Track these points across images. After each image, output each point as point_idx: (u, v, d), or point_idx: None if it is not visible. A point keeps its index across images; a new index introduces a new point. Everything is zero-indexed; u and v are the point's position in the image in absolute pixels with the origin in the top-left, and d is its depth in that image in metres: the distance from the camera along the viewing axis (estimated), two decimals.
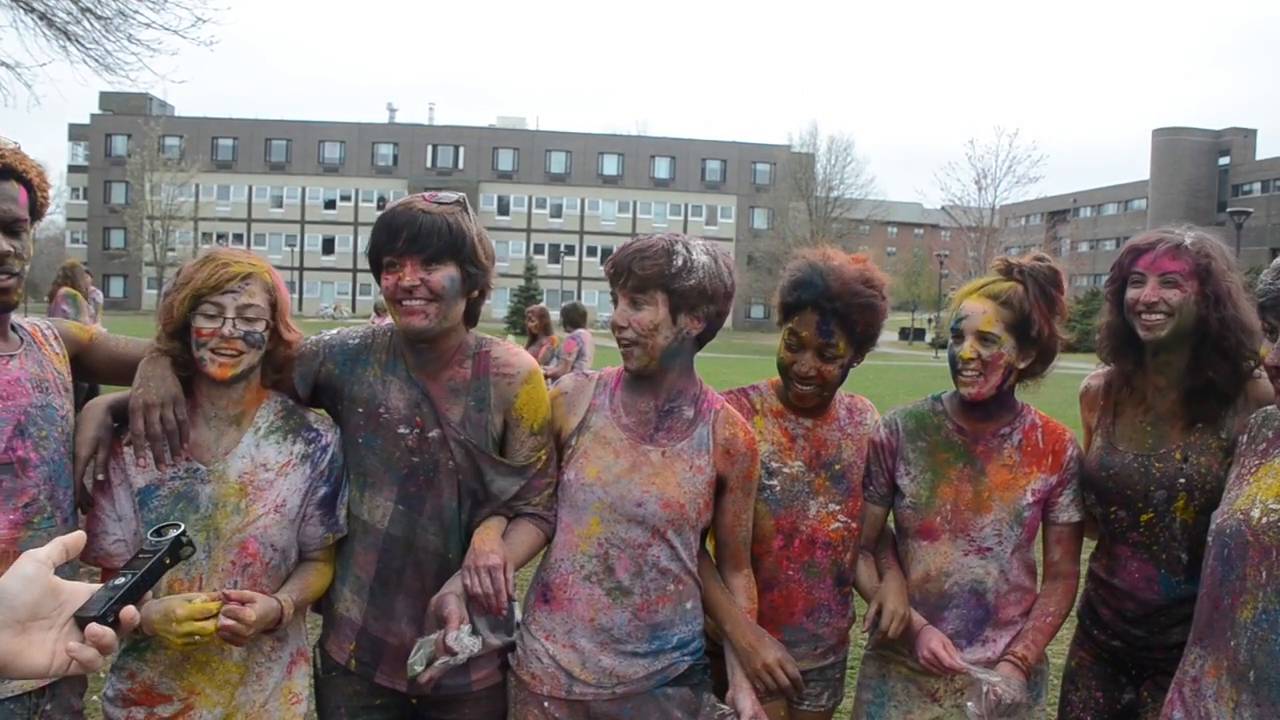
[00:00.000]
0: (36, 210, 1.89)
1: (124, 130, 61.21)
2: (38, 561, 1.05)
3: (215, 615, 1.83)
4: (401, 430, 2.08)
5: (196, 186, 58.79)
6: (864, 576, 2.39)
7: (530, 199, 67.55)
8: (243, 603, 1.87)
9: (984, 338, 2.23)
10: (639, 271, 2.05)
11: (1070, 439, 2.36)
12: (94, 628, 1.05)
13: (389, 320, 2.13)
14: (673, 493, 2.09)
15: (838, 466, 2.37)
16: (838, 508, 2.35)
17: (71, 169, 65.86)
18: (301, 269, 64.69)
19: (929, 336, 54.52)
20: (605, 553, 2.09)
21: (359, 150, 66.80)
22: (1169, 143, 64.22)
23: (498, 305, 56.05)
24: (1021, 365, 2.27)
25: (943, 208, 50.55)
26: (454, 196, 2.08)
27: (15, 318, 1.96)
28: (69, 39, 10.53)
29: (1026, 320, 2.24)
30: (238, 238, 59.71)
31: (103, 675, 2.19)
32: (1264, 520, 1.72)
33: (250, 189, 65.59)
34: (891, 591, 2.28)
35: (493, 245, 2.15)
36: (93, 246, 62.12)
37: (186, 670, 1.99)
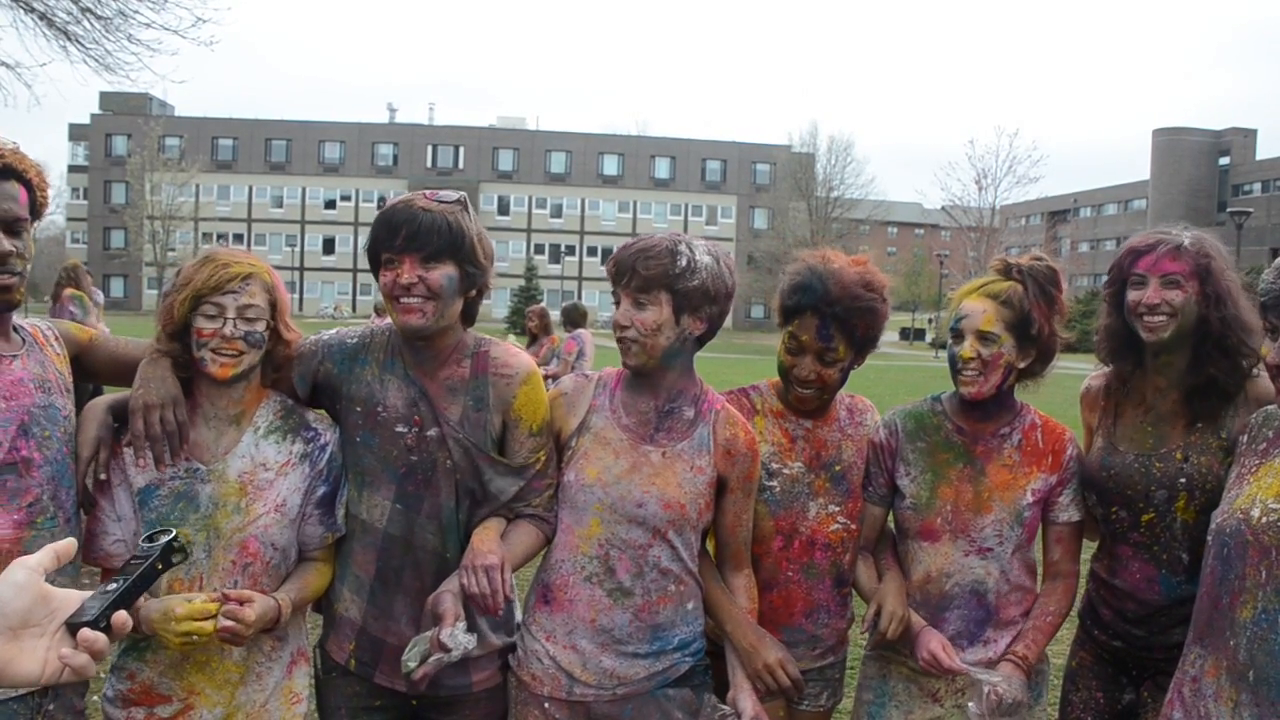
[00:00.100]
0: (36, 210, 1.89)
1: (124, 130, 61.22)
2: (28, 569, 1.04)
3: (214, 616, 1.83)
4: (399, 429, 2.08)
5: (196, 186, 58.81)
6: (863, 577, 2.39)
7: (530, 199, 67.55)
8: (241, 602, 1.87)
9: (984, 337, 2.23)
10: (643, 271, 2.04)
11: (1070, 439, 2.36)
12: (86, 633, 1.04)
13: (389, 320, 2.13)
14: (673, 493, 2.09)
15: (838, 467, 2.37)
16: (837, 509, 2.35)
17: (71, 169, 65.88)
18: (301, 269, 64.69)
19: (929, 336, 54.51)
20: (606, 553, 2.08)
21: (359, 150, 66.81)
22: (1169, 143, 64.21)
23: (498, 305, 56.06)
24: (1021, 365, 2.27)
25: (943, 208, 50.54)
26: (454, 195, 2.08)
27: (16, 318, 1.97)
28: (69, 39, 10.53)
29: (1026, 319, 2.24)
30: (238, 238, 59.72)
31: (103, 675, 2.20)
32: (1264, 520, 1.72)
33: (250, 189, 65.60)
34: (890, 593, 2.28)
35: (492, 245, 2.15)
36: (93, 246, 62.13)
37: (186, 670, 1.99)
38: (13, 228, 1.83)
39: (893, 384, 21.33)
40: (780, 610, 2.31)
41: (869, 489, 2.40)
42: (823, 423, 2.38)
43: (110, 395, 2.06)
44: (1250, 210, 33.08)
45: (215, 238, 52.38)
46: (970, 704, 2.14)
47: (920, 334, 59.69)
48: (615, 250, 2.16)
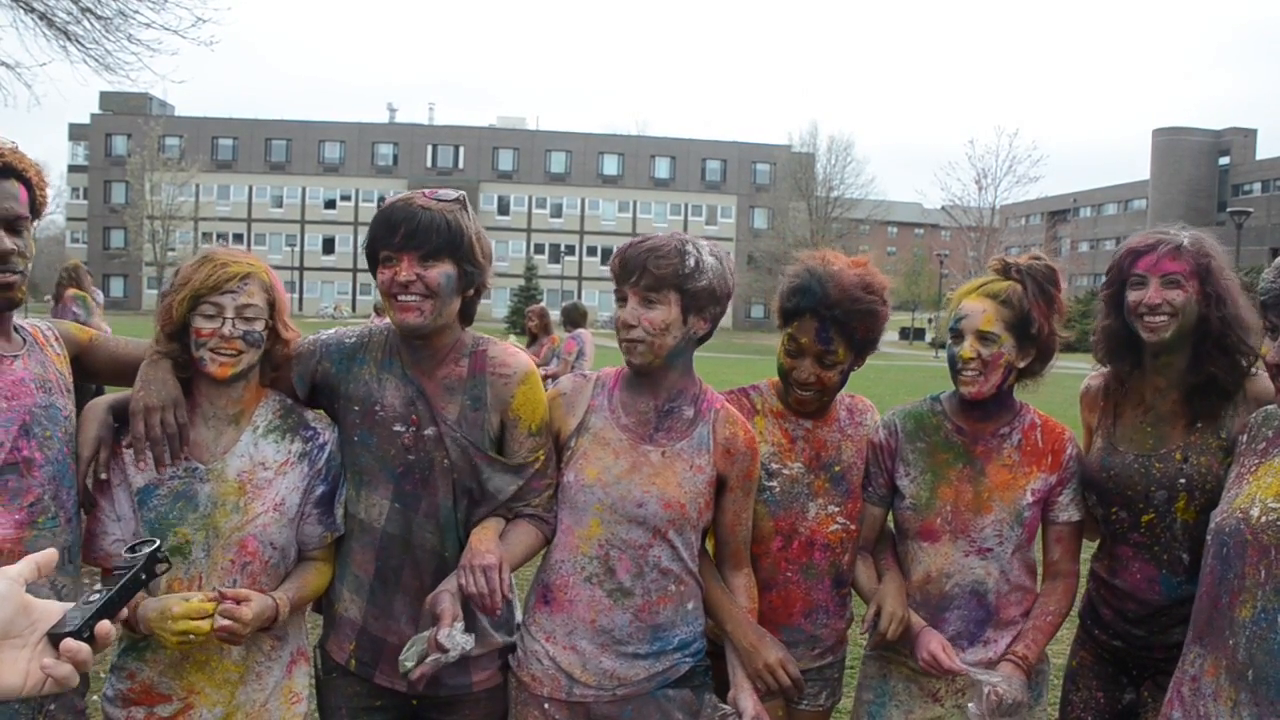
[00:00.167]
0: (36, 209, 1.90)
1: (124, 130, 61.23)
2: (9, 579, 1.03)
3: (211, 615, 1.84)
4: (397, 428, 2.08)
5: (196, 186, 58.84)
6: (863, 577, 2.39)
7: (530, 199, 67.56)
8: (238, 601, 1.87)
9: (984, 337, 2.23)
10: (655, 270, 2.04)
11: (1069, 438, 2.36)
12: (70, 643, 1.04)
13: (388, 320, 2.13)
14: (673, 493, 2.09)
15: (837, 468, 2.36)
16: (837, 509, 2.35)
17: (71, 169, 65.89)
18: (301, 269, 64.70)
19: (929, 336, 54.52)
20: (606, 554, 2.08)
21: (359, 150, 66.81)
22: (1169, 143, 64.22)
23: (497, 305, 56.10)
24: (1021, 364, 2.27)
25: (943, 208, 50.52)
26: (453, 194, 2.08)
27: (16, 319, 1.97)
28: (69, 39, 10.53)
29: (1026, 319, 2.24)
30: (238, 238, 59.72)
31: (103, 676, 2.20)
32: (1263, 519, 1.72)
33: (250, 189, 65.59)
34: (890, 593, 2.28)
35: (490, 244, 2.15)
36: (93, 246, 62.13)
37: (186, 670, 1.99)
38: (14, 226, 1.83)
39: (893, 384, 21.33)
40: (779, 610, 2.31)
41: (868, 489, 2.40)
42: (823, 423, 2.38)
43: (110, 395, 2.06)
44: (1250, 210, 33.09)
45: (215, 238, 52.35)
46: (970, 705, 2.14)
47: (920, 334, 59.70)
48: (618, 248, 2.15)
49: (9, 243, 1.82)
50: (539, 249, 65.77)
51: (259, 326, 2.00)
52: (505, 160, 67.88)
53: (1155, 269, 2.22)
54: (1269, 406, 1.96)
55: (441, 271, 2.01)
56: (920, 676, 2.33)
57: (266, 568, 2.03)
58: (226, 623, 1.84)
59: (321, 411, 2.18)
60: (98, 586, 1.16)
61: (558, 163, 68.37)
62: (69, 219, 65.25)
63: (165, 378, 1.98)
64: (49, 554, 1.09)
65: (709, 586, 2.19)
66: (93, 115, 64.38)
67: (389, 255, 2.02)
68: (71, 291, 8.21)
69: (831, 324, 2.22)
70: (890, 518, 2.44)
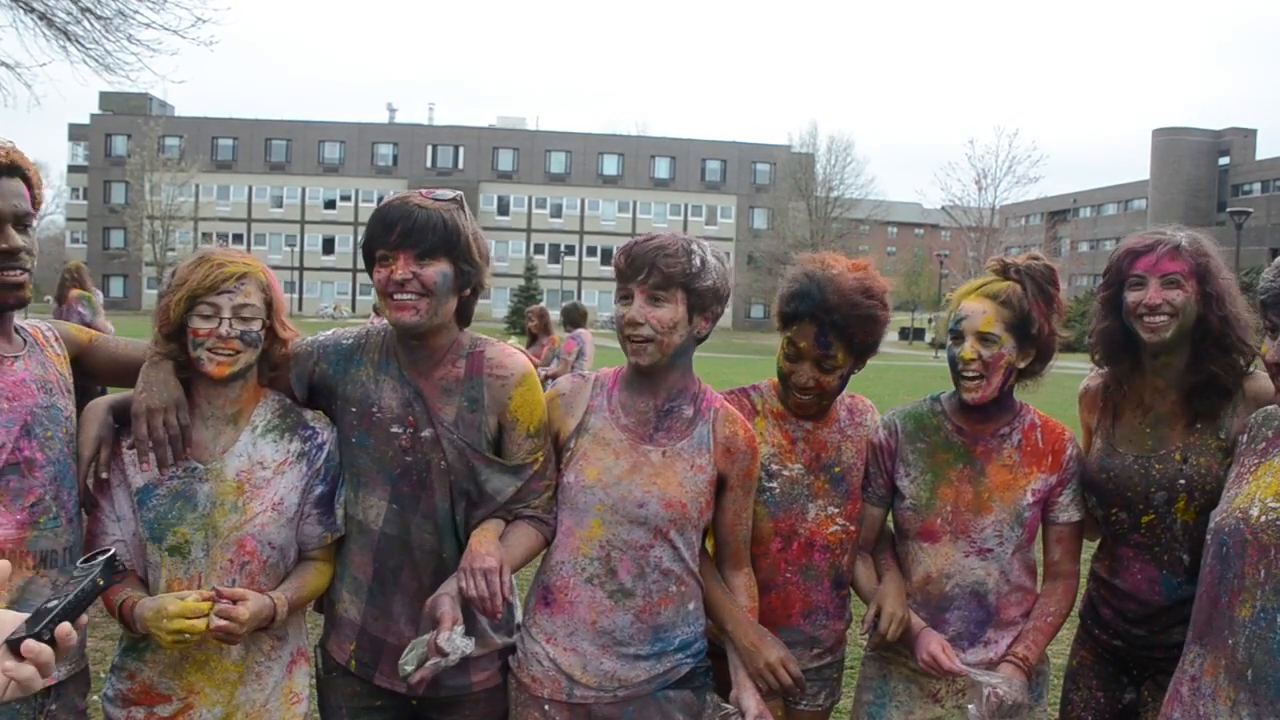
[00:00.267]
0: (35, 206, 1.91)
1: (124, 130, 61.24)
2: None
3: (206, 614, 1.84)
4: (394, 429, 2.07)
5: (196, 186, 58.87)
6: (862, 578, 2.39)
7: (530, 199, 67.59)
8: (235, 601, 1.87)
9: (984, 338, 2.22)
10: (664, 269, 2.03)
11: (1070, 438, 2.36)
12: (31, 644, 1.05)
13: (386, 321, 2.13)
14: (674, 492, 2.09)
15: (837, 469, 2.36)
16: (836, 510, 2.35)
17: (71, 169, 65.93)
18: (301, 269, 64.73)
19: (929, 336, 54.51)
20: (607, 555, 2.08)
21: (359, 150, 66.84)
22: (1169, 143, 64.24)
23: (497, 305, 56.11)
24: (1021, 365, 2.27)
25: (943, 208, 50.51)
26: (450, 194, 2.08)
27: (16, 319, 1.97)
28: (69, 39, 10.53)
29: (1026, 319, 2.24)
30: (238, 238, 59.75)
31: (102, 675, 2.20)
32: (1263, 519, 1.72)
33: (250, 189, 65.63)
34: (890, 594, 2.28)
35: (488, 245, 2.14)
36: (93, 246, 62.15)
37: (186, 670, 1.99)
38: (22, 223, 1.84)
39: (893, 384, 21.33)
40: (778, 612, 2.30)
41: (868, 490, 2.39)
42: (823, 424, 2.38)
43: (111, 395, 2.07)
44: (1250, 210, 33.06)
45: (215, 238, 52.31)
46: (970, 706, 2.14)
47: (920, 334, 59.69)
48: (624, 245, 2.13)
49: (20, 240, 1.83)
50: (539, 249, 65.77)
51: (256, 326, 2.00)
52: (505, 160, 67.90)
53: (1154, 269, 2.22)
54: (1269, 407, 1.97)
55: (438, 270, 2.01)
56: (920, 677, 2.33)
57: (265, 567, 2.03)
58: (222, 623, 1.84)
59: (320, 411, 2.18)
60: (56, 593, 1.18)
61: (558, 163, 68.39)
62: (69, 219, 65.28)
63: (167, 379, 1.98)
64: (3, 566, 1.13)
65: (709, 587, 2.19)
66: (93, 115, 64.40)
67: (385, 254, 2.01)
68: (76, 292, 8.21)
69: (830, 329, 2.22)
70: (890, 518, 2.44)
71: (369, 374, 2.12)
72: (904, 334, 60.10)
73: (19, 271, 1.85)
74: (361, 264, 2.11)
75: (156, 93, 60.73)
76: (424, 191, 2.08)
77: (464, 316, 2.15)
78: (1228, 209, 39.03)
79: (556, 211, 67.88)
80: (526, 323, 10.79)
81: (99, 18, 10.50)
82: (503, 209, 66.85)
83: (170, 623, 1.82)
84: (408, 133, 68.59)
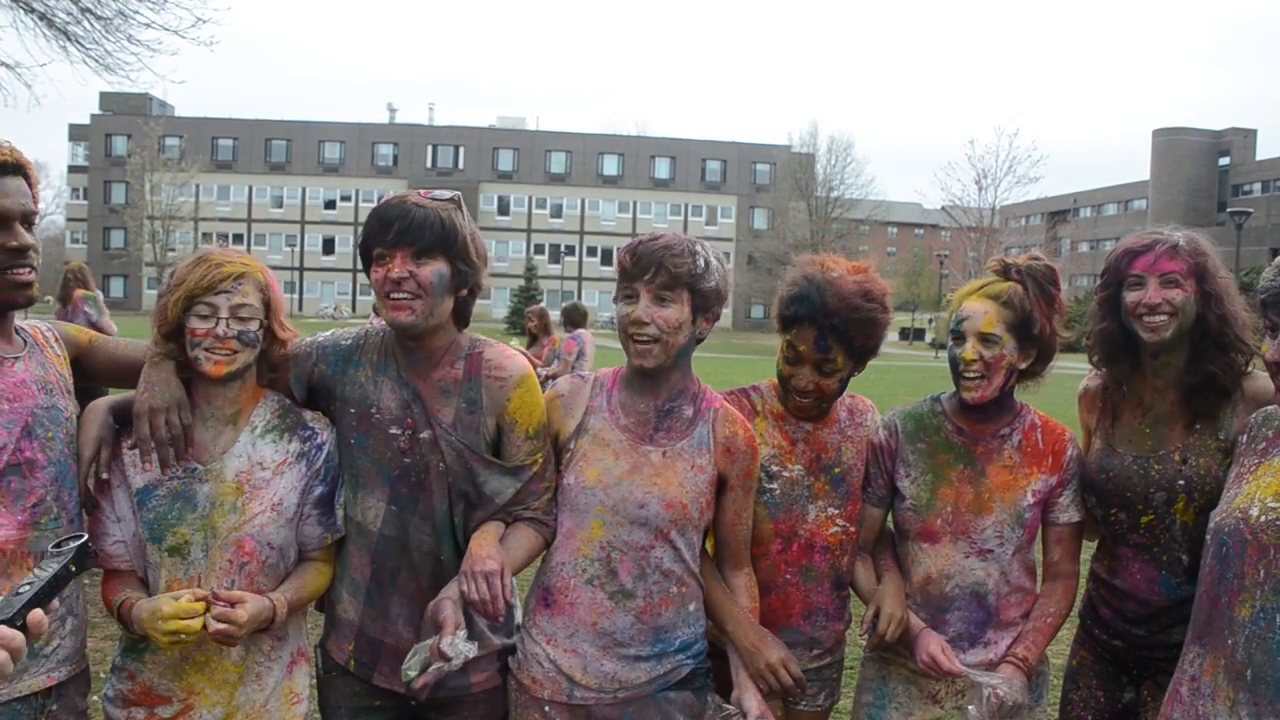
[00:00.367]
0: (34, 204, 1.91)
1: (124, 130, 61.26)
2: None
3: (201, 614, 1.84)
4: (393, 431, 2.07)
5: (196, 186, 58.90)
6: (862, 578, 2.39)
7: (530, 199, 67.60)
8: (233, 604, 1.87)
9: (986, 339, 2.22)
10: (671, 268, 2.03)
11: (1070, 439, 2.36)
12: (3, 630, 1.07)
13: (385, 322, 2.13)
14: (675, 493, 2.09)
15: (837, 470, 2.36)
16: (836, 511, 2.35)
17: (71, 169, 65.97)
18: (301, 269, 64.74)
19: (929, 337, 54.51)
20: (608, 555, 2.08)
21: (359, 150, 66.85)
22: (1169, 143, 64.25)
23: (497, 305, 56.13)
24: (1022, 366, 2.27)
25: (943, 208, 50.49)
26: (448, 194, 2.09)
27: (17, 319, 1.98)
28: (69, 39, 10.52)
29: (1028, 320, 2.23)
30: (238, 238, 59.79)
31: (102, 675, 2.20)
32: (1262, 519, 1.72)
33: (250, 189, 65.65)
34: (889, 594, 2.28)
35: (485, 246, 2.14)
36: (93, 246, 62.17)
37: (186, 671, 1.99)
38: (28, 220, 1.85)
39: (893, 384, 21.33)
40: (778, 612, 2.30)
41: (868, 490, 2.39)
42: (823, 425, 2.38)
43: (111, 396, 2.07)
44: (1250, 210, 33.06)
45: (215, 238, 52.33)
46: (970, 707, 2.14)
47: (920, 334, 59.70)
48: (628, 245, 2.12)
49: (29, 238, 1.84)
50: (539, 249, 65.79)
51: (254, 326, 2.00)
52: (505, 160, 67.91)
53: (1153, 269, 2.22)
54: (1269, 407, 1.97)
55: (434, 270, 2.01)
56: (920, 678, 2.33)
57: (264, 568, 2.03)
58: (221, 626, 1.84)
59: (320, 413, 2.18)
60: (27, 579, 1.18)
61: (558, 163, 68.39)
62: (69, 219, 65.30)
63: (169, 379, 1.98)
64: None
65: (710, 587, 2.19)
66: (93, 115, 64.41)
67: (382, 252, 2.02)
68: (81, 292, 8.19)
69: (830, 332, 2.21)
70: (890, 518, 2.44)
71: (368, 375, 2.12)
72: (904, 334, 60.09)
73: (28, 270, 1.86)
74: (362, 264, 2.11)
75: (156, 93, 60.81)
76: (422, 191, 2.09)
77: (462, 317, 2.15)
78: (1228, 209, 39.02)
79: (556, 211, 67.89)
80: (526, 323, 10.78)
81: (99, 18, 10.49)
82: (503, 209, 66.87)
83: (165, 624, 1.82)
84: (408, 133, 68.60)
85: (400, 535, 2.08)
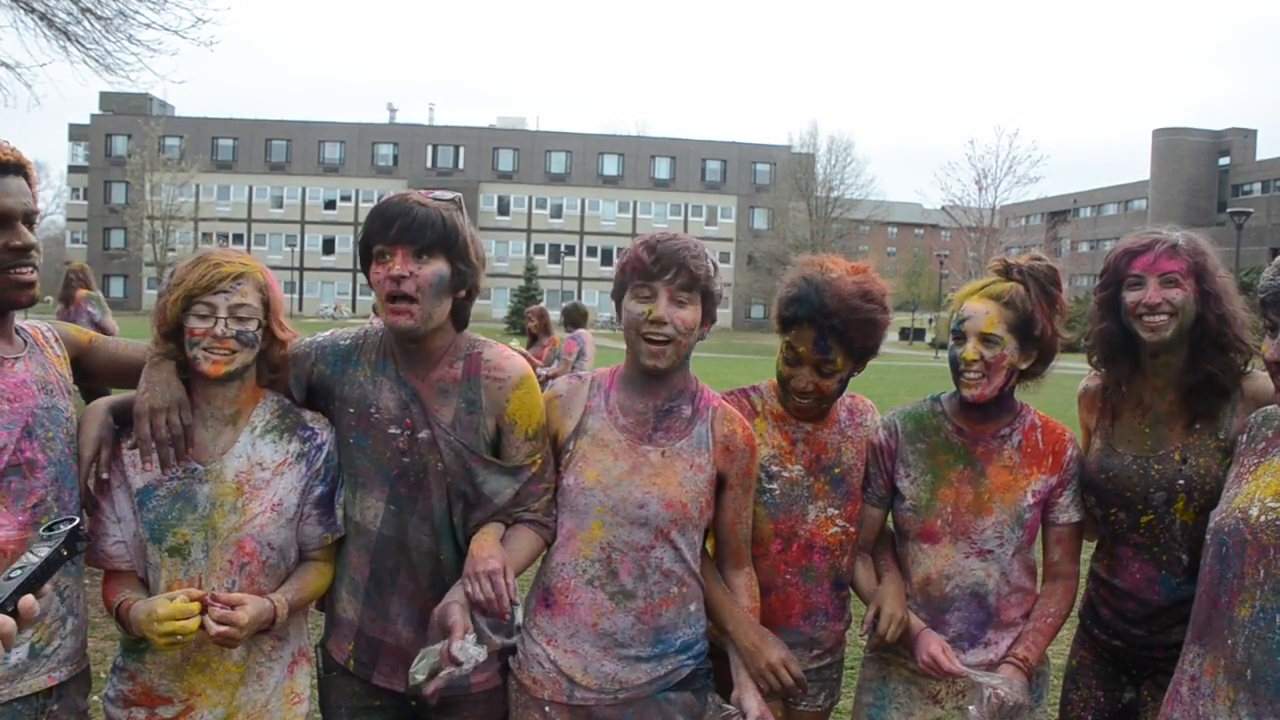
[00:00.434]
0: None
1: (124, 130, 61.26)
2: None
3: (196, 615, 1.83)
4: (392, 430, 2.08)
5: (196, 187, 58.89)
6: (862, 578, 2.39)
7: (530, 199, 67.60)
8: (232, 605, 1.87)
9: (987, 339, 2.22)
10: (692, 270, 2.03)
11: (1070, 439, 2.35)
12: None
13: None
14: (675, 492, 2.09)
15: (837, 470, 2.36)
16: (836, 512, 2.35)
17: (71, 169, 65.98)
18: (301, 269, 64.74)
19: (929, 337, 54.51)
20: (608, 556, 2.08)
21: (359, 150, 66.85)
22: (1169, 143, 64.25)
23: (497, 305, 56.15)
24: (1023, 366, 2.27)
25: (943, 208, 50.48)
26: (449, 195, 2.10)
27: (17, 320, 1.98)
28: (69, 39, 10.53)
29: (1029, 320, 2.23)
30: (238, 238, 59.79)
31: (102, 675, 2.20)
32: (1262, 519, 1.72)
33: (250, 189, 65.65)
34: (889, 594, 2.28)
35: (484, 248, 2.15)
36: (93, 246, 62.16)
37: (187, 671, 1.99)
38: (30, 220, 1.85)
39: (893, 384, 21.33)
40: (778, 613, 2.30)
41: (868, 490, 2.39)
42: (823, 425, 2.38)
43: (111, 396, 2.07)
44: (1250, 210, 33.04)
45: (215, 238, 52.35)
46: (971, 708, 2.14)
47: (920, 334, 59.69)
48: (644, 242, 2.09)
49: (31, 237, 1.84)
50: (539, 249, 65.77)
51: (252, 326, 2.00)
52: (505, 160, 67.91)
53: (1153, 268, 2.22)
54: (1269, 407, 1.97)
55: (434, 270, 2.01)
56: (920, 678, 2.33)
57: (264, 568, 2.03)
58: (223, 628, 1.84)
59: (319, 413, 2.18)
60: (19, 564, 1.17)
61: (558, 163, 68.39)
62: (69, 219, 65.31)
63: (169, 379, 1.99)
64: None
65: (710, 587, 2.19)
66: (93, 115, 64.42)
67: (383, 250, 2.02)
68: (84, 292, 8.18)
69: (829, 333, 2.20)
70: (890, 519, 2.44)
71: (367, 375, 2.12)
72: (904, 334, 60.10)
73: (30, 269, 1.86)
74: (360, 263, 2.11)
75: (156, 93, 60.83)
76: (424, 191, 2.09)
77: (460, 319, 2.15)
78: (1228, 209, 39.02)
79: (557, 212, 67.89)
80: (526, 323, 10.78)
81: (99, 18, 10.50)
82: (503, 209, 66.87)
83: (161, 625, 1.82)
84: (408, 133, 68.61)
85: (399, 535, 2.08)
